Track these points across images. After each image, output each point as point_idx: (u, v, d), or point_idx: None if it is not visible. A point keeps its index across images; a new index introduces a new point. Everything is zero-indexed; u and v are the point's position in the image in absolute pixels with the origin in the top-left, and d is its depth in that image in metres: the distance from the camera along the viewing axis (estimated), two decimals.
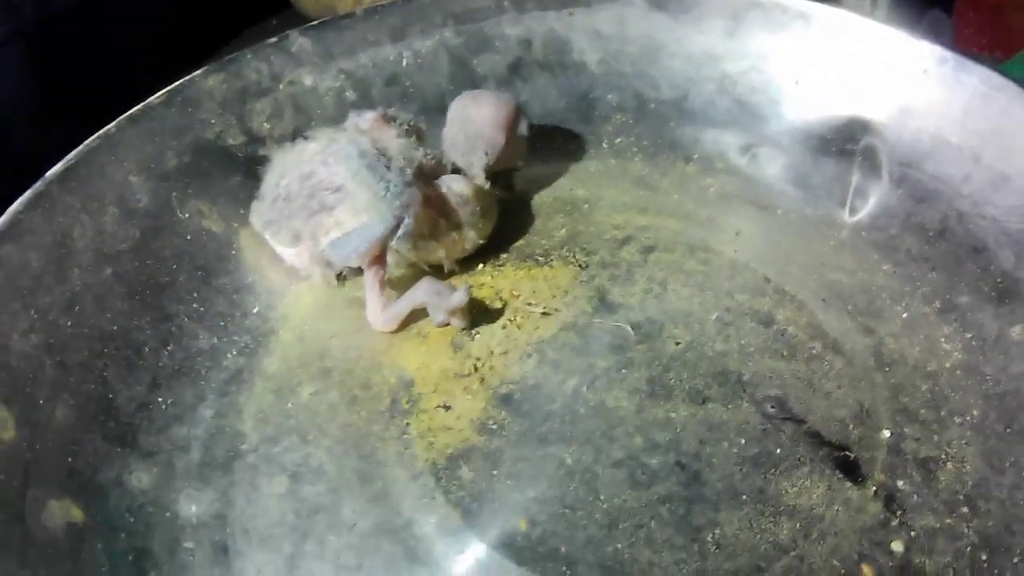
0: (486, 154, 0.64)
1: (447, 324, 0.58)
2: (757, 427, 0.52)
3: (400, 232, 0.57)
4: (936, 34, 0.82)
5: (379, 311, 0.58)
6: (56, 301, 0.55)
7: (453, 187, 0.60)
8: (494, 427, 0.53)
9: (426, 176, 0.60)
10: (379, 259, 0.58)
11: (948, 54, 0.65)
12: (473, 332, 0.58)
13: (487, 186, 0.63)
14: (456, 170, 0.64)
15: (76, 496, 0.49)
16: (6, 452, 0.48)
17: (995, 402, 0.54)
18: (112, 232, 0.59)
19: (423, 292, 0.58)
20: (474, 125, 0.64)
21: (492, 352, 0.57)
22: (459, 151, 0.64)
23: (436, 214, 0.60)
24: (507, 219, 0.64)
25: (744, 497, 0.49)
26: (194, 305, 0.60)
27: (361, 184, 0.58)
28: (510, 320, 0.59)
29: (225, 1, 0.97)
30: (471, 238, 0.61)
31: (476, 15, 0.73)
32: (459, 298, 0.57)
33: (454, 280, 0.61)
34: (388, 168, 0.58)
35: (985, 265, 0.60)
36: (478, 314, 0.59)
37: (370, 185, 0.57)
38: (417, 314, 0.59)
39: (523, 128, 0.65)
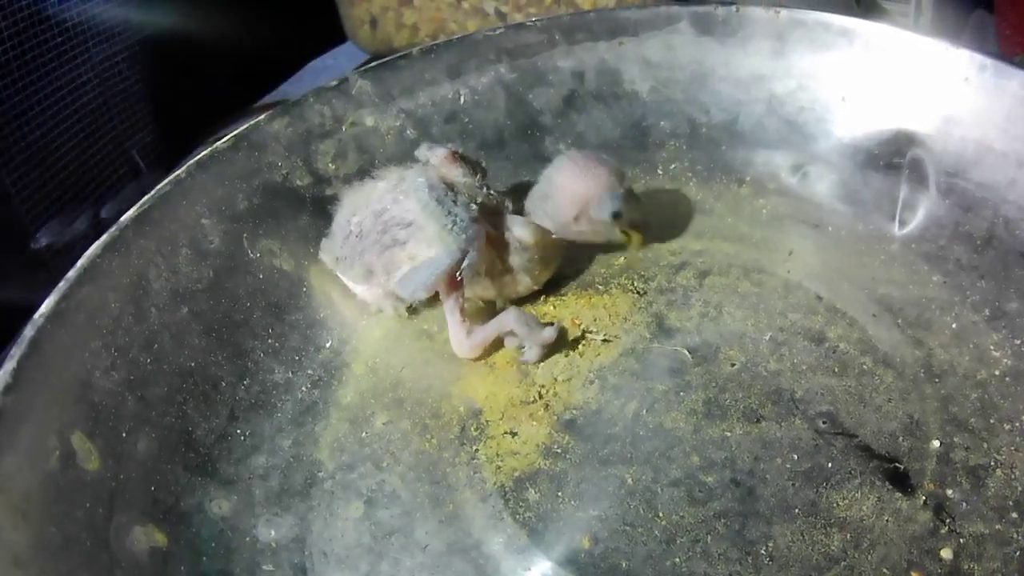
0: (551, 220, 0.63)
1: (527, 355, 0.60)
2: (809, 443, 0.53)
3: (465, 265, 0.58)
4: (981, 35, 0.83)
5: (464, 339, 0.60)
6: (135, 339, 0.57)
7: (515, 231, 0.61)
8: (558, 451, 0.55)
9: (488, 215, 0.61)
10: (456, 288, 0.59)
11: (988, 61, 0.65)
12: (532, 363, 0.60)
13: (554, 235, 0.64)
14: (520, 211, 0.64)
15: (160, 522, 0.52)
16: (92, 481, 0.51)
17: None
18: (186, 273, 0.61)
19: (512, 321, 0.59)
20: (549, 189, 0.63)
21: (556, 379, 0.59)
22: (532, 207, 0.65)
23: (493, 254, 0.61)
24: (567, 249, 0.65)
25: (796, 511, 0.50)
26: (269, 341, 0.62)
27: (430, 216, 0.59)
28: (572, 348, 0.60)
29: (286, 38, 0.99)
30: (524, 283, 0.62)
31: (528, 50, 0.74)
32: (550, 334, 0.59)
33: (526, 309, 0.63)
34: (455, 203, 0.59)
35: None
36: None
37: (438, 218, 0.59)
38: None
39: (603, 210, 0.62)
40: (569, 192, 0.62)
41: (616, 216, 0.62)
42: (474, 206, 0.60)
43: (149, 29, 0.88)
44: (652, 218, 0.66)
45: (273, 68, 0.99)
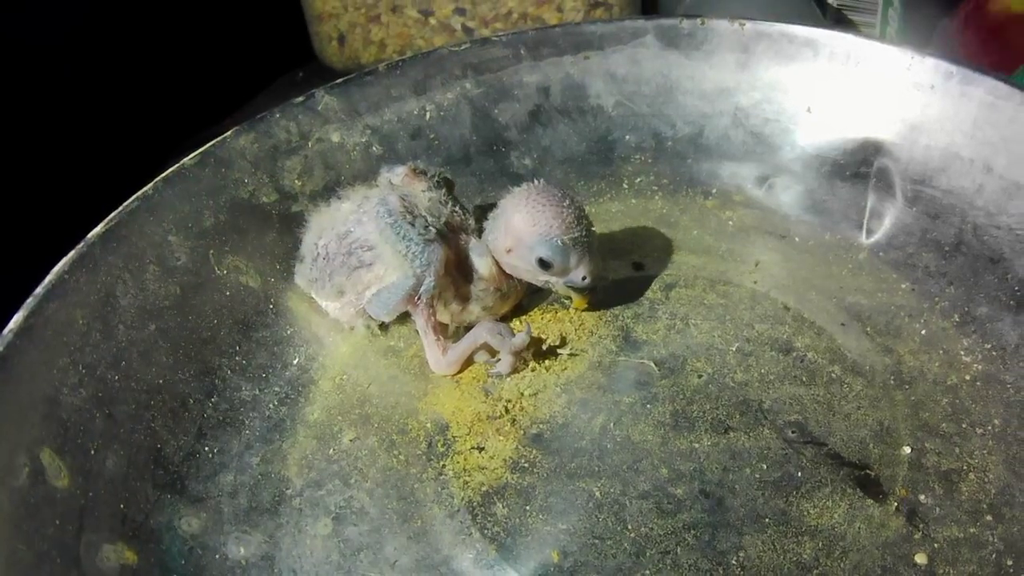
0: (492, 248, 0.61)
1: (500, 367, 0.59)
2: (778, 452, 0.53)
3: (423, 289, 0.58)
4: (947, 46, 0.83)
5: (440, 356, 0.60)
6: (103, 356, 0.56)
7: (473, 258, 0.60)
8: (526, 465, 0.54)
9: (453, 231, 0.61)
10: (427, 309, 0.59)
11: (954, 68, 0.65)
12: (504, 376, 0.59)
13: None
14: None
15: (129, 540, 0.51)
16: (62, 499, 0.50)
17: (1016, 409, 0.55)
18: (154, 289, 0.60)
19: (485, 333, 0.59)
20: (496, 212, 0.61)
21: (522, 394, 0.58)
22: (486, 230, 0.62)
23: (447, 279, 0.60)
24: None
25: (767, 520, 0.50)
26: (236, 358, 0.61)
27: (386, 242, 0.58)
28: (539, 362, 0.60)
29: (253, 54, 0.99)
30: (476, 312, 0.61)
31: (494, 65, 0.74)
32: (522, 339, 0.58)
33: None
34: (412, 225, 0.58)
35: (1002, 275, 0.61)
36: None
37: (394, 244, 0.58)
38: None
39: (531, 252, 0.59)
40: (505, 221, 0.60)
41: (543, 265, 0.59)
42: (433, 230, 0.59)
43: (115, 46, 0.89)
44: (603, 284, 0.63)
45: (241, 85, 0.99)
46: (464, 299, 0.61)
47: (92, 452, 0.53)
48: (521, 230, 0.59)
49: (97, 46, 0.88)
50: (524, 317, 0.63)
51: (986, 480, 0.52)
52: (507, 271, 0.61)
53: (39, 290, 0.55)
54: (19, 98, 0.81)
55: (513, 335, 0.59)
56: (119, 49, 0.89)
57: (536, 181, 0.60)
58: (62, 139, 0.84)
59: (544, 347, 0.61)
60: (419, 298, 0.58)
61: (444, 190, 0.63)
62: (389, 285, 0.59)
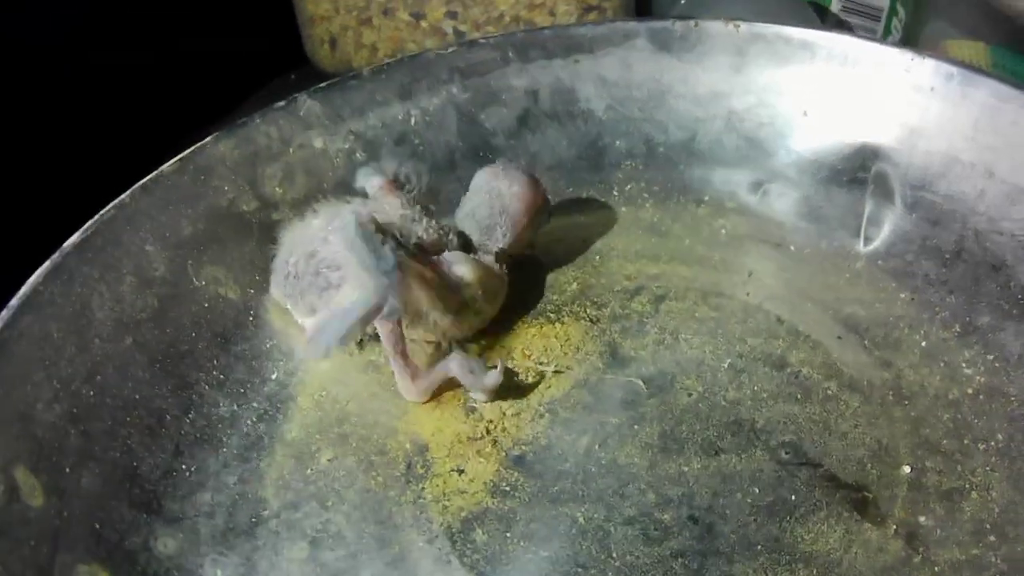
0: (505, 234, 0.63)
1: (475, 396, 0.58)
2: (771, 475, 0.52)
3: (384, 314, 0.55)
4: None
5: (410, 384, 0.58)
6: (78, 371, 0.56)
7: (454, 268, 0.59)
8: (507, 489, 0.53)
9: (425, 252, 0.60)
10: (395, 334, 0.57)
11: (954, 69, 0.64)
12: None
13: (498, 268, 0.62)
14: (465, 245, 0.63)
15: (104, 561, 0.50)
16: (36, 518, 0.50)
17: (1021, 423, 0.53)
18: (130, 301, 0.60)
19: (456, 367, 0.57)
20: (501, 200, 0.63)
21: (504, 414, 0.57)
22: (478, 225, 0.63)
23: (433, 294, 0.58)
24: (517, 275, 0.64)
25: (759, 547, 0.49)
26: (214, 372, 0.60)
27: (354, 256, 0.55)
28: (522, 381, 0.59)
29: (246, 57, 0.99)
30: (469, 321, 0.61)
31: (481, 68, 0.73)
32: (493, 380, 0.57)
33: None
34: (383, 243, 0.55)
35: (1004, 282, 0.60)
36: None
37: (362, 258, 0.55)
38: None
39: (546, 215, 0.65)
40: (523, 198, 0.63)
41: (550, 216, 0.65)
42: (401, 252, 0.56)
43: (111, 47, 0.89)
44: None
45: (233, 88, 0.98)
46: (449, 313, 0.59)
47: (67, 470, 0.52)
48: (540, 202, 0.64)
49: (94, 47, 0.87)
50: (507, 332, 0.63)
51: (989, 499, 0.50)
52: (517, 251, 0.64)
53: (14, 302, 0.55)
54: (16, 98, 0.81)
55: (484, 371, 0.57)
56: (113, 51, 0.89)
57: (492, 166, 0.65)
58: (55, 139, 0.84)
59: (528, 364, 0.60)
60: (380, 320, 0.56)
61: (419, 207, 0.62)
62: (336, 311, 0.55)
